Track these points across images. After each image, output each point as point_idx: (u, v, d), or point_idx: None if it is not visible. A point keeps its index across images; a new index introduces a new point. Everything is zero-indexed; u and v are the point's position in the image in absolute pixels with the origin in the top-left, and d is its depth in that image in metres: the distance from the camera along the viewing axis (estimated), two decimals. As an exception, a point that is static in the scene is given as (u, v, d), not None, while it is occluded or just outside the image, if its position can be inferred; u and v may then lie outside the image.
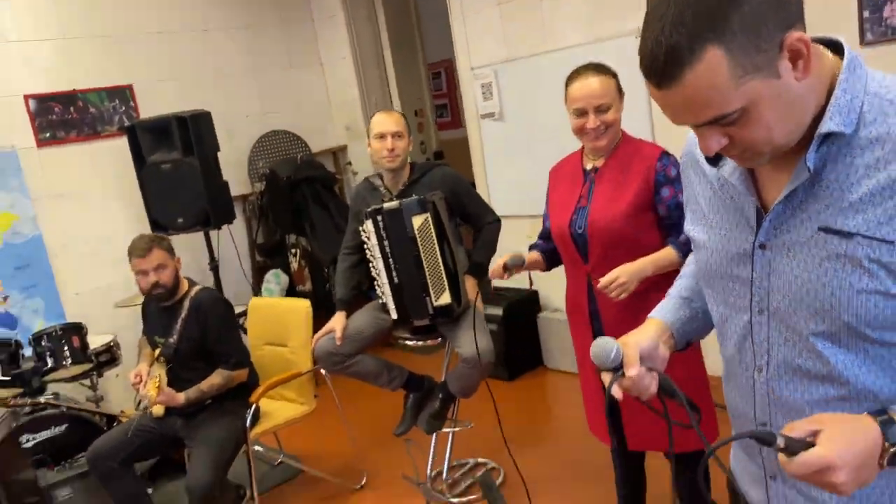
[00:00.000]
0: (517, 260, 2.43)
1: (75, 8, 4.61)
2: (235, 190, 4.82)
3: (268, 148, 5.48)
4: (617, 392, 1.19)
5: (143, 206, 4.41)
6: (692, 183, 1.28)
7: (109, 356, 3.94)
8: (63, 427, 3.44)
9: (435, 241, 2.98)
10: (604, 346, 1.19)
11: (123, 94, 4.79)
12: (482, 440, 3.69)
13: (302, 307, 3.51)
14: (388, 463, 3.70)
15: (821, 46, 1.04)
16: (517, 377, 4.61)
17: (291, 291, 5.34)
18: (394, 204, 2.99)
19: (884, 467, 0.97)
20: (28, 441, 3.38)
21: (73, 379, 3.79)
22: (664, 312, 1.37)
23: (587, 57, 2.50)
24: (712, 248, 1.21)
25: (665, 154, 2.29)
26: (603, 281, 2.21)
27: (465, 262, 3.22)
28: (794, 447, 0.94)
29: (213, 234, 4.56)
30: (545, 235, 2.57)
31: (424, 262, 2.99)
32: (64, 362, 3.59)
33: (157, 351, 3.20)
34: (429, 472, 3.46)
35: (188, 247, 4.51)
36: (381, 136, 3.08)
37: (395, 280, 3.06)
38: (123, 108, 4.78)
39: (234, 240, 5.01)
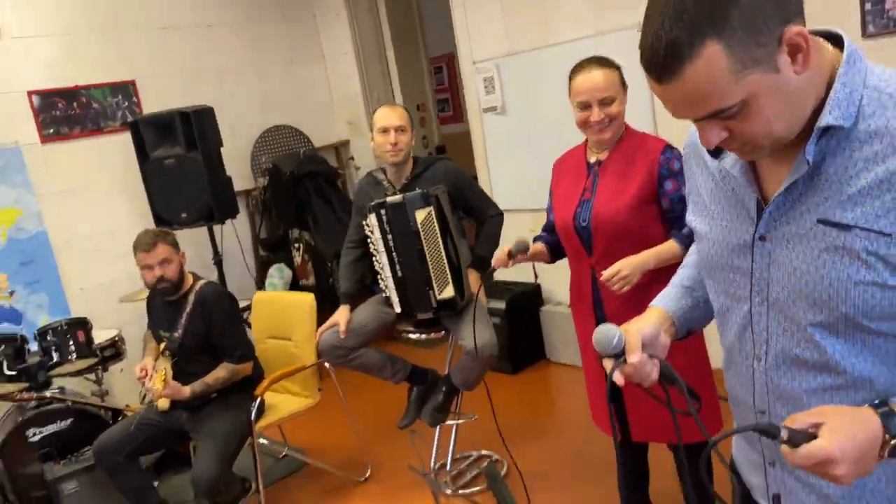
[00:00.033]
0: (521, 246, 2.41)
1: (78, 4, 4.62)
2: (238, 185, 4.83)
3: (270, 143, 5.49)
4: (619, 378, 1.20)
5: (147, 201, 4.43)
6: (694, 174, 1.29)
7: (114, 351, 3.96)
8: (69, 421, 3.46)
9: (438, 235, 2.99)
10: (606, 333, 1.20)
11: (126, 90, 4.80)
12: (485, 433, 3.71)
13: (306, 301, 3.53)
14: (393, 455, 3.72)
15: (821, 39, 1.05)
16: (520, 370, 4.63)
17: (295, 286, 5.35)
18: (397, 198, 3.00)
19: (884, 458, 0.98)
20: (34, 435, 3.40)
21: (79, 373, 3.81)
22: (666, 301, 1.39)
23: (589, 50, 2.50)
24: (713, 238, 1.22)
25: (668, 147, 2.29)
26: (605, 274, 2.22)
27: (468, 255, 3.24)
28: (797, 439, 0.95)
29: (216, 228, 4.58)
30: (549, 228, 2.57)
31: (428, 256, 3.00)
32: (69, 357, 3.61)
33: (163, 345, 3.22)
34: (432, 464, 3.48)
35: (192, 242, 4.52)
36: (385, 131, 3.09)
37: (399, 274, 3.07)
38: (126, 104, 4.80)
39: (237, 235, 5.02)
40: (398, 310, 3.14)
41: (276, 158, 5.34)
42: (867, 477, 1.02)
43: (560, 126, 4.14)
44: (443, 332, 3.29)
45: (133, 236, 3.20)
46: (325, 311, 3.49)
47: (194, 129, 4.19)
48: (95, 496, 3.30)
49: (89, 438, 3.28)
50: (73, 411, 3.48)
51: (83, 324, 3.71)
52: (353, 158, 5.94)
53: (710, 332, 1.68)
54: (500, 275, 4.89)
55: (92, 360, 3.74)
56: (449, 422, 3.38)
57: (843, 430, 0.95)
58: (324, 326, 3.20)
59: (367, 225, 3.10)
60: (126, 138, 4.47)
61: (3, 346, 3.46)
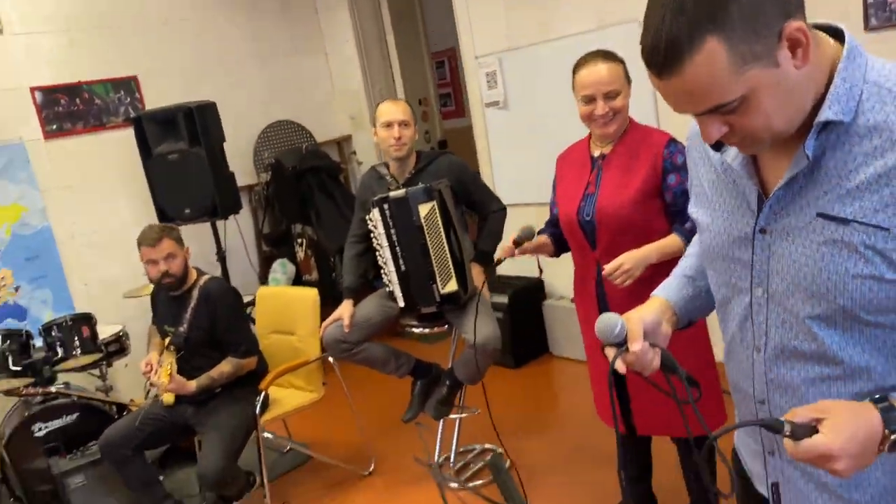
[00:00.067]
0: (528, 232, 2.39)
1: (79, -1, 4.63)
2: (241, 180, 4.84)
3: (273, 138, 5.50)
4: (620, 366, 1.22)
5: (150, 196, 4.44)
6: (696, 165, 1.30)
7: (118, 346, 3.97)
8: (74, 416, 3.48)
9: (441, 229, 3.00)
10: (608, 321, 1.22)
11: (128, 86, 4.81)
12: (489, 427, 3.72)
13: (309, 296, 3.54)
14: (397, 449, 3.74)
15: (821, 33, 1.06)
16: (523, 364, 4.64)
17: (298, 281, 5.36)
18: (400, 192, 3.01)
19: (884, 451, 1.00)
20: (40, 430, 3.41)
21: (83, 369, 3.83)
22: (668, 290, 1.40)
23: (591, 45, 2.51)
24: (715, 230, 1.23)
25: (672, 141, 2.29)
26: (608, 268, 2.23)
27: (471, 249, 3.25)
28: (799, 433, 0.97)
29: (219, 224, 4.59)
30: (553, 223, 2.57)
31: (431, 250, 3.01)
32: (74, 352, 3.62)
33: (168, 340, 3.23)
34: (436, 458, 3.50)
35: (195, 237, 4.52)
36: (388, 125, 3.10)
37: (402, 268, 3.08)
38: (129, 100, 4.80)
39: (240, 230, 5.03)
40: (402, 304, 3.15)
41: (279, 153, 5.35)
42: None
43: (562, 120, 4.14)
44: (446, 326, 3.30)
45: (137, 232, 3.21)
46: (327, 306, 3.50)
47: (197, 124, 4.20)
48: (102, 490, 3.32)
49: (95, 433, 3.30)
50: (78, 406, 3.49)
51: (88, 319, 3.72)
52: (355, 153, 5.95)
53: (715, 326, 1.69)
54: (504, 269, 4.90)
55: (97, 356, 3.76)
56: (453, 415, 3.39)
57: (844, 425, 0.97)
58: (328, 321, 3.22)
59: (371, 219, 3.11)
60: (129, 134, 4.48)
61: (8, 342, 3.48)
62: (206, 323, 3.17)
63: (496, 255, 2.45)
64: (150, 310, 3.51)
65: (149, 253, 3.11)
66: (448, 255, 3.02)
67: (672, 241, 2.24)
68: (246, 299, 3.86)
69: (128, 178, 4.74)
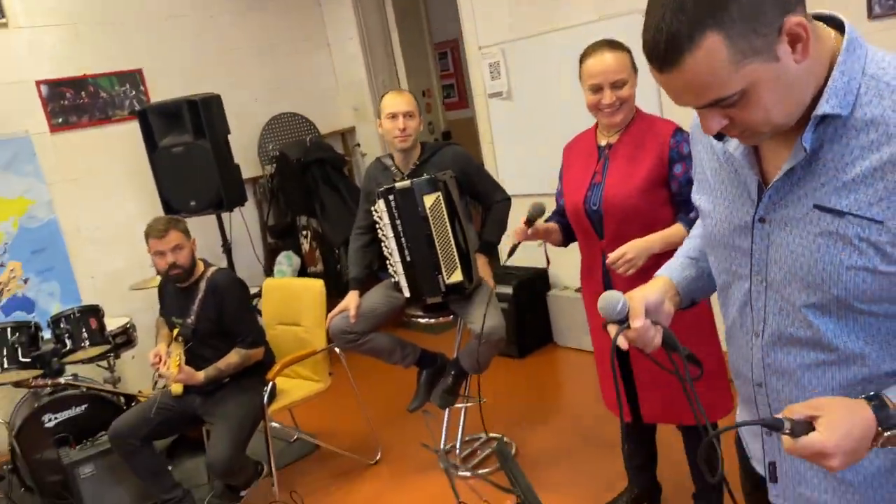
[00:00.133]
0: (538, 208, 2.37)
1: (84, -7, 4.64)
2: (246, 172, 4.85)
3: (277, 130, 5.51)
4: (623, 343, 1.24)
5: (156, 189, 4.46)
6: (700, 153, 1.32)
7: (126, 338, 4.00)
8: (83, 407, 3.51)
9: (446, 220, 3.02)
10: (610, 299, 1.24)
11: (133, 79, 4.82)
12: (493, 416, 3.75)
13: (315, 287, 3.57)
14: (403, 438, 3.77)
15: (822, 25, 1.07)
16: (527, 354, 4.66)
17: (303, 273, 5.39)
18: (405, 183, 3.03)
19: (877, 447, 1.03)
20: (50, 421, 3.45)
21: (91, 360, 3.85)
22: (671, 270, 1.42)
23: (595, 35, 2.51)
24: (716, 218, 1.25)
25: (679, 130, 2.30)
26: (612, 257, 2.24)
27: (475, 240, 3.26)
28: (798, 431, 1.00)
29: (224, 216, 4.61)
30: (559, 213, 2.58)
31: (436, 241, 3.03)
32: (82, 344, 3.65)
33: (176, 331, 3.25)
34: (442, 446, 3.52)
35: (200, 230, 4.54)
36: (393, 116, 3.11)
37: (408, 258, 3.10)
38: (133, 93, 4.82)
39: (245, 222, 5.06)
40: (407, 294, 3.17)
41: (283, 146, 5.37)
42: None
43: (566, 110, 4.15)
44: (451, 316, 3.32)
45: (142, 224, 3.24)
46: (332, 297, 3.53)
47: (202, 116, 4.21)
48: (111, 480, 3.35)
49: (104, 424, 3.33)
50: (87, 397, 3.53)
51: (95, 311, 3.75)
52: (359, 145, 5.96)
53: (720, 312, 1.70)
54: (511, 259, 4.91)
55: (105, 348, 3.78)
56: (458, 405, 3.42)
57: (839, 423, 0.99)
58: (334, 311, 3.24)
59: (376, 211, 3.13)
60: (134, 127, 4.50)
61: (17, 334, 3.50)
62: (213, 314, 3.20)
63: (511, 242, 2.43)
64: (157, 302, 3.53)
65: (156, 245, 3.13)
66: (453, 246, 3.04)
67: (676, 230, 2.25)
68: (252, 291, 3.89)
69: (133, 171, 4.76)
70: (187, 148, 4.27)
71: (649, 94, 3.76)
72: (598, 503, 2.88)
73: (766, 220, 1.15)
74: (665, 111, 3.72)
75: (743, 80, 0.99)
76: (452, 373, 3.31)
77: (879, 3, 3.11)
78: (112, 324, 3.94)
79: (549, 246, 2.64)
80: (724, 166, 1.24)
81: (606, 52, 2.26)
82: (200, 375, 3.12)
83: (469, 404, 3.51)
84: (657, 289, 1.32)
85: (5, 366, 3.43)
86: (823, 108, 1.03)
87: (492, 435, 3.65)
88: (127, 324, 4.03)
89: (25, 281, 4.33)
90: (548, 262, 2.87)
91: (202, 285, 3.24)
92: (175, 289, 3.31)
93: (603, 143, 2.41)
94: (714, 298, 1.44)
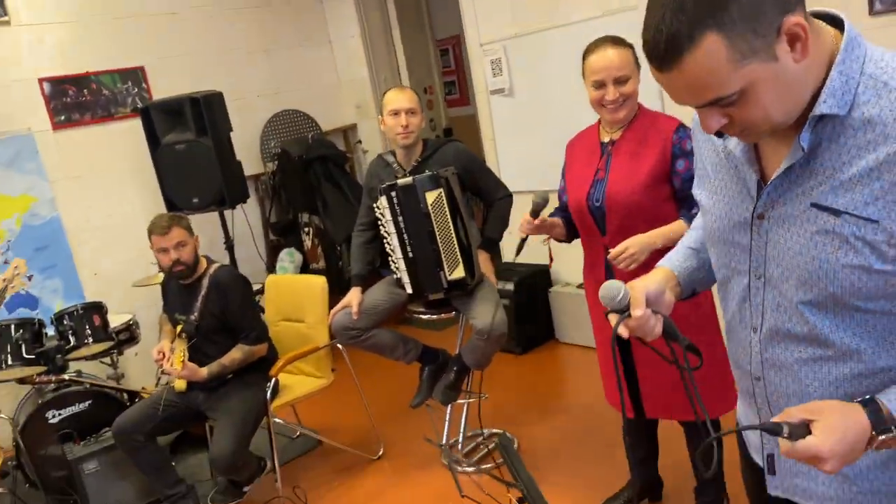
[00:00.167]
0: (542, 196, 2.38)
1: (86, -10, 4.65)
2: (248, 170, 4.87)
3: (279, 127, 5.52)
4: (623, 331, 1.25)
5: (159, 186, 4.47)
6: (701, 148, 1.33)
7: (129, 335, 4.02)
8: (87, 403, 3.52)
9: (448, 216, 3.03)
10: (612, 288, 1.25)
11: (136, 76, 4.83)
12: (495, 412, 3.77)
13: (318, 283, 3.58)
14: (405, 434, 3.78)
15: (821, 23, 1.07)
16: (529, 351, 4.67)
17: (305, 269, 5.40)
18: (407, 180, 3.04)
19: (871, 450, 1.05)
20: (54, 417, 3.46)
21: (95, 357, 3.87)
22: (672, 261, 1.44)
23: (597, 31, 2.52)
24: (716, 213, 1.26)
25: (682, 126, 2.31)
26: (613, 251, 2.25)
27: (477, 236, 3.27)
28: (796, 435, 1.02)
29: (227, 213, 4.62)
30: (562, 209, 2.59)
31: (438, 237, 3.04)
32: (86, 341, 3.66)
33: (179, 328, 3.27)
34: (445, 441, 3.54)
35: (203, 227, 4.55)
36: (396, 113, 3.12)
37: (410, 255, 3.11)
38: (136, 90, 4.83)
39: (247, 219, 5.07)
40: (409, 290, 3.19)
41: (285, 143, 5.37)
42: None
43: (567, 107, 4.16)
44: (453, 312, 3.33)
45: (145, 222, 3.25)
46: (335, 294, 3.54)
47: (204, 114, 4.22)
48: (115, 475, 3.37)
49: (107, 420, 3.35)
50: (91, 394, 3.54)
51: (99, 308, 3.76)
52: (360, 142, 5.97)
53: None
54: (508, 257, 4.92)
55: (108, 344, 3.80)
56: (460, 400, 3.43)
57: (834, 428, 1.01)
58: (336, 308, 3.25)
59: (378, 207, 3.14)
60: (136, 124, 4.51)
61: (21, 331, 3.51)
62: (216, 310, 3.21)
63: (518, 236, 2.43)
64: (160, 299, 3.55)
65: (159, 241, 3.15)
66: (455, 242, 3.05)
67: (678, 226, 2.26)
68: (254, 288, 3.90)
69: (136, 169, 4.77)
70: (189, 145, 4.28)
71: (651, 91, 3.75)
72: (600, 498, 2.89)
73: (765, 217, 1.16)
74: (667, 107, 3.72)
75: (742, 79, 0.99)
76: (454, 369, 3.32)
77: (881, -2, 3.11)
78: (115, 320, 3.96)
79: (552, 243, 2.64)
80: (723, 162, 1.24)
81: (610, 49, 2.27)
82: (204, 372, 3.14)
83: (471, 400, 3.53)
84: (658, 279, 1.34)
85: (9, 362, 3.45)
86: (821, 108, 1.04)
87: (493, 431, 3.66)
88: (130, 320, 4.05)
89: (30, 278, 4.35)
90: (551, 259, 2.87)
91: (205, 282, 3.25)
92: (178, 285, 3.32)
93: (606, 139, 2.41)
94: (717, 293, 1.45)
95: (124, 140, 4.75)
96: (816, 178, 1.08)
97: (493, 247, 3.37)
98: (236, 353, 3.21)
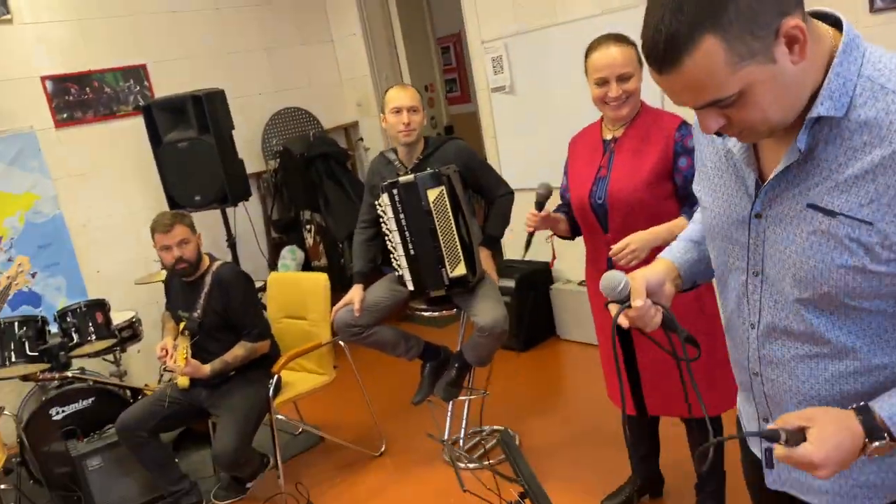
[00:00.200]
0: (545, 187, 2.39)
1: (88, -11, 4.66)
2: (250, 167, 4.88)
3: (280, 125, 5.54)
4: (623, 321, 1.27)
5: (161, 184, 4.48)
6: (701, 145, 1.34)
7: (132, 332, 4.03)
8: (90, 400, 3.54)
9: (450, 214, 3.04)
10: (612, 278, 1.27)
11: (137, 74, 4.84)
12: (496, 409, 3.78)
13: (320, 280, 3.59)
14: (407, 431, 3.80)
15: (821, 24, 1.08)
16: (530, 348, 4.69)
17: (307, 267, 5.42)
18: (409, 177, 3.05)
19: (864, 457, 1.06)
20: (57, 414, 3.48)
21: (97, 354, 3.88)
22: (673, 253, 1.45)
23: (598, 28, 2.52)
24: (715, 211, 1.28)
25: (684, 124, 2.31)
26: (615, 248, 2.26)
27: (479, 234, 3.28)
28: (793, 441, 1.05)
29: (229, 211, 4.63)
30: (565, 207, 2.60)
31: (440, 235, 3.05)
32: (89, 338, 3.67)
33: (182, 325, 3.29)
34: (446, 438, 3.55)
35: (205, 224, 4.56)
36: (397, 111, 3.13)
37: (412, 252, 3.12)
38: (138, 88, 4.84)
39: (249, 217, 5.08)
40: (411, 288, 3.20)
41: (287, 141, 5.38)
42: None
43: (568, 105, 4.17)
44: (455, 309, 3.34)
45: (147, 219, 3.26)
46: (336, 291, 3.55)
47: (206, 112, 4.23)
48: (119, 472, 3.39)
49: (111, 416, 3.37)
50: (94, 391, 3.56)
51: (102, 305, 3.78)
52: (362, 139, 5.98)
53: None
54: (515, 254, 4.93)
55: (111, 341, 3.81)
56: (461, 397, 3.44)
57: (829, 437, 1.03)
58: (338, 305, 3.27)
59: (380, 205, 3.15)
60: (139, 122, 4.52)
61: (24, 328, 3.53)
62: (219, 308, 3.23)
63: (526, 229, 2.44)
64: (163, 296, 3.57)
65: (162, 239, 3.16)
66: (457, 240, 3.06)
67: (680, 223, 2.26)
68: (256, 285, 3.91)
69: (138, 166, 4.78)
70: (191, 143, 4.29)
71: (653, 88, 3.77)
72: (601, 494, 2.90)
73: (762, 216, 1.17)
74: (668, 105, 3.73)
75: (740, 81, 1.00)
76: (456, 366, 3.33)
77: (881, -4, 3.11)
78: (118, 318, 3.98)
79: (555, 240, 2.65)
80: (724, 161, 1.26)
81: (612, 46, 2.28)
82: (207, 368, 3.15)
83: (472, 397, 3.54)
84: (659, 270, 1.35)
85: (13, 359, 3.46)
86: (817, 110, 1.05)
87: (495, 427, 3.68)
88: (133, 318, 4.07)
89: (33, 275, 4.37)
90: (553, 256, 2.87)
91: (208, 279, 3.26)
92: (181, 283, 3.33)
93: (608, 136, 2.42)
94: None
95: (126, 138, 4.76)
96: (813, 179, 1.09)
97: (494, 244, 3.38)
98: (239, 350, 3.23)
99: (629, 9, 3.82)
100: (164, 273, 3.63)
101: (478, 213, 3.41)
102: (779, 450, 1.05)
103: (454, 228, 3.05)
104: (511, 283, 4.56)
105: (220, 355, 3.21)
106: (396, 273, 3.24)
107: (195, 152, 4.30)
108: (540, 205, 2.40)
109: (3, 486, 3.49)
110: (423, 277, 3.15)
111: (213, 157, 4.27)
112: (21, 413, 3.64)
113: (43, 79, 4.47)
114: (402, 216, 3.09)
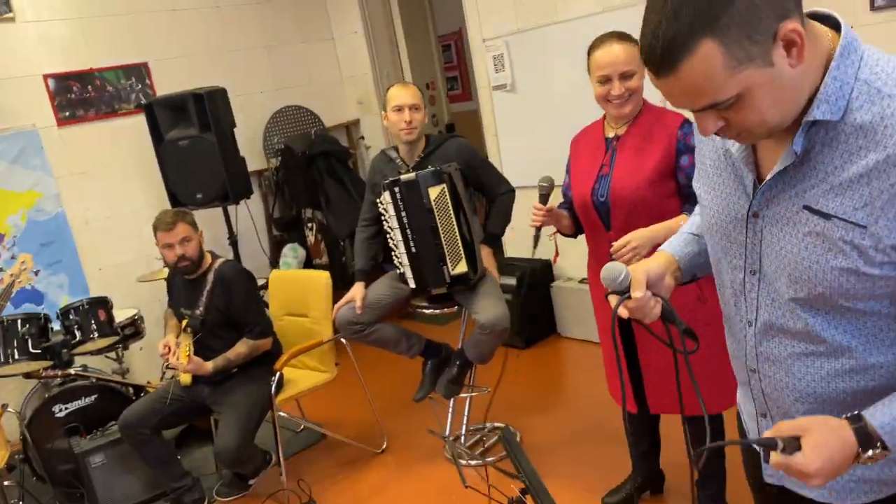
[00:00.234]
0: (547, 180, 2.40)
1: (90, -13, 4.66)
2: (251, 165, 4.89)
3: (282, 123, 5.54)
4: (623, 312, 1.28)
5: (163, 182, 4.49)
6: (702, 143, 1.35)
7: (134, 329, 4.05)
8: (93, 397, 3.56)
9: (451, 212, 3.05)
10: (613, 269, 1.28)
11: (139, 72, 4.85)
12: (498, 406, 3.79)
13: (322, 278, 3.60)
14: (408, 428, 3.81)
15: (819, 26, 1.08)
16: (531, 345, 4.70)
17: (308, 265, 5.43)
18: (410, 175, 3.06)
19: (857, 465, 1.08)
20: (60, 411, 3.50)
21: (100, 352, 3.90)
22: (674, 246, 1.46)
23: (599, 26, 2.53)
24: (714, 209, 1.29)
25: (686, 122, 2.31)
26: (616, 245, 2.26)
27: (480, 231, 3.29)
28: (789, 448, 1.06)
29: (230, 209, 4.64)
30: (567, 205, 2.60)
31: (441, 232, 3.06)
32: (91, 335, 3.69)
33: (185, 322, 3.30)
34: (447, 434, 3.56)
35: (207, 222, 4.58)
36: (399, 109, 3.14)
37: (413, 250, 3.13)
38: (140, 86, 4.85)
39: (251, 215, 5.09)
40: (412, 285, 3.21)
41: (288, 139, 5.39)
42: None
43: (570, 102, 4.17)
44: (456, 307, 3.35)
45: (149, 217, 3.27)
46: (338, 289, 3.56)
47: (207, 110, 4.24)
48: (122, 469, 3.40)
49: (113, 414, 3.38)
50: (97, 388, 3.57)
51: (104, 303, 3.79)
52: (363, 137, 5.99)
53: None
54: (517, 251, 4.94)
55: (113, 339, 3.82)
56: (463, 394, 3.45)
57: (822, 447, 1.04)
58: (340, 302, 3.28)
59: (381, 202, 3.16)
60: (140, 120, 4.53)
61: (27, 326, 3.54)
62: (221, 305, 3.24)
63: (532, 225, 2.45)
64: (165, 294, 3.58)
65: (164, 237, 3.17)
66: (458, 237, 3.07)
67: (681, 221, 2.27)
68: (258, 283, 3.92)
69: (140, 164, 4.79)
70: (193, 141, 4.30)
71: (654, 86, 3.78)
72: (602, 491, 2.91)
73: (759, 216, 1.18)
74: (668, 101, 3.74)
75: (738, 85, 1.00)
76: (457, 363, 3.34)
77: (882, -6, 3.12)
78: (120, 315, 3.99)
79: (558, 238, 2.65)
80: (723, 160, 1.27)
81: (615, 44, 2.28)
82: (209, 366, 3.16)
83: (474, 394, 3.55)
84: (659, 262, 1.36)
85: (16, 357, 3.48)
86: (814, 113, 1.06)
87: (496, 424, 3.69)
88: (135, 315, 4.08)
89: (36, 273, 4.38)
90: (556, 254, 2.88)
91: (210, 277, 3.27)
92: (183, 280, 3.35)
93: (611, 134, 2.42)
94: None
95: (128, 136, 4.77)
96: (809, 181, 1.10)
97: (495, 242, 3.39)
98: (241, 348, 3.24)
99: (630, 7, 3.82)
100: (166, 271, 3.64)
101: (479, 210, 3.42)
102: (775, 457, 1.06)
103: (455, 226, 3.06)
104: (512, 281, 4.57)
105: (222, 353, 3.22)
106: (398, 271, 3.25)
107: (197, 150, 4.30)
108: (544, 198, 2.41)
109: (6, 483, 3.50)
110: (424, 275, 3.16)
111: (214, 155, 4.28)
112: (24, 410, 3.66)
113: (45, 77, 4.48)
114: (403, 214, 3.09)
